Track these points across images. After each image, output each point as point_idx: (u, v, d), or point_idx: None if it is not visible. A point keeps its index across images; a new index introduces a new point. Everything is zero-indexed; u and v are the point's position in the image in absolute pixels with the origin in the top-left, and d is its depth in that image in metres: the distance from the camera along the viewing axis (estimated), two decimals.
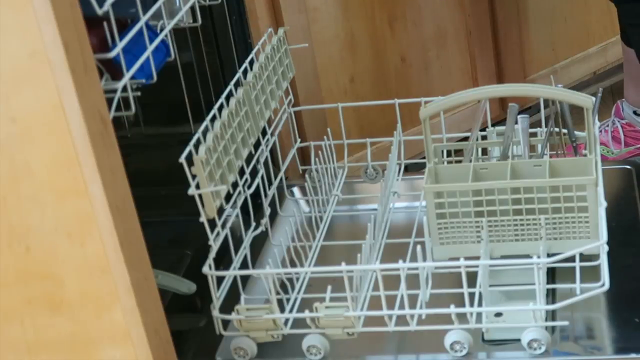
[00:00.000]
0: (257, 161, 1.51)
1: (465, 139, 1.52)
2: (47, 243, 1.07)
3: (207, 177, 1.24)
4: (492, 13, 2.36)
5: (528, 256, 1.31)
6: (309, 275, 1.41)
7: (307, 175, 1.65)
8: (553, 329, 1.28)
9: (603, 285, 1.23)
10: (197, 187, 1.23)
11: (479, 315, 1.27)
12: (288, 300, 1.36)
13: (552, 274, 1.38)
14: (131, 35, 1.16)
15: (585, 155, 1.42)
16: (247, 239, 1.41)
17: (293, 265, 1.46)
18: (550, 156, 1.45)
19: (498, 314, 1.30)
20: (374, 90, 2.22)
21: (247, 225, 1.43)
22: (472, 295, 1.25)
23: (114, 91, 1.13)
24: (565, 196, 1.35)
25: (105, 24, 1.13)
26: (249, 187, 1.44)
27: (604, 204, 1.31)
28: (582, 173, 1.37)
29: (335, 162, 1.64)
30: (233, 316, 1.28)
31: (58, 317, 1.10)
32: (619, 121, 2.19)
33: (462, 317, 1.25)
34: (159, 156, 1.54)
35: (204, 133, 1.28)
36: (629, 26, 2.02)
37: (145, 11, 1.19)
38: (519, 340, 1.25)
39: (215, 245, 1.29)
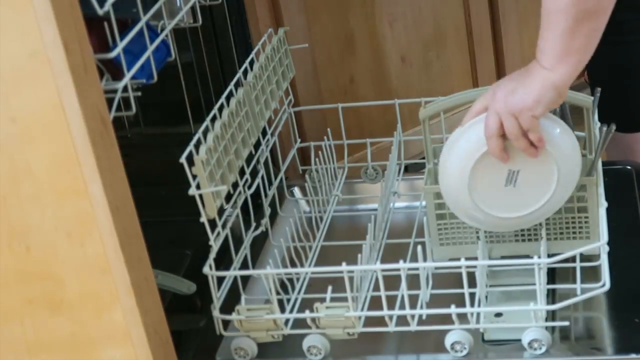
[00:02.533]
0: (257, 161, 1.51)
1: None
2: (47, 243, 1.07)
3: (207, 177, 1.24)
4: (492, 13, 2.36)
5: (528, 256, 1.31)
6: (309, 275, 1.41)
7: (307, 176, 1.65)
8: (553, 329, 1.28)
9: (603, 285, 1.23)
10: (198, 187, 1.23)
11: (480, 315, 1.26)
12: (288, 300, 1.36)
13: (552, 274, 1.38)
14: (132, 35, 1.16)
15: (585, 155, 1.42)
16: (248, 239, 1.41)
17: (293, 265, 1.46)
18: None
19: (498, 314, 1.30)
20: (374, 90, 2.21)
21: (247, 225, 1.42)
22: (472, 295, 1.25)
23: (115, 91, 1.13)
24: None
25: (105, 24, 1.13)
26: (249, 187, 1.44)
27: (604, 204, 1.31)
28: (582, 173, 1.36)
29: (335, 162, 1.64)
30: (233, 316, 1.28)
31: (58, 317, 1.10)
32: None
33: (462, 317, 1.25)
34: (159, 156, 1.54)
35: (205, 133, 1.28)
36: None
37: (145, 11, 1.19)
38: (519, 340, 1.25)
39: (215, 246, 1.29)
